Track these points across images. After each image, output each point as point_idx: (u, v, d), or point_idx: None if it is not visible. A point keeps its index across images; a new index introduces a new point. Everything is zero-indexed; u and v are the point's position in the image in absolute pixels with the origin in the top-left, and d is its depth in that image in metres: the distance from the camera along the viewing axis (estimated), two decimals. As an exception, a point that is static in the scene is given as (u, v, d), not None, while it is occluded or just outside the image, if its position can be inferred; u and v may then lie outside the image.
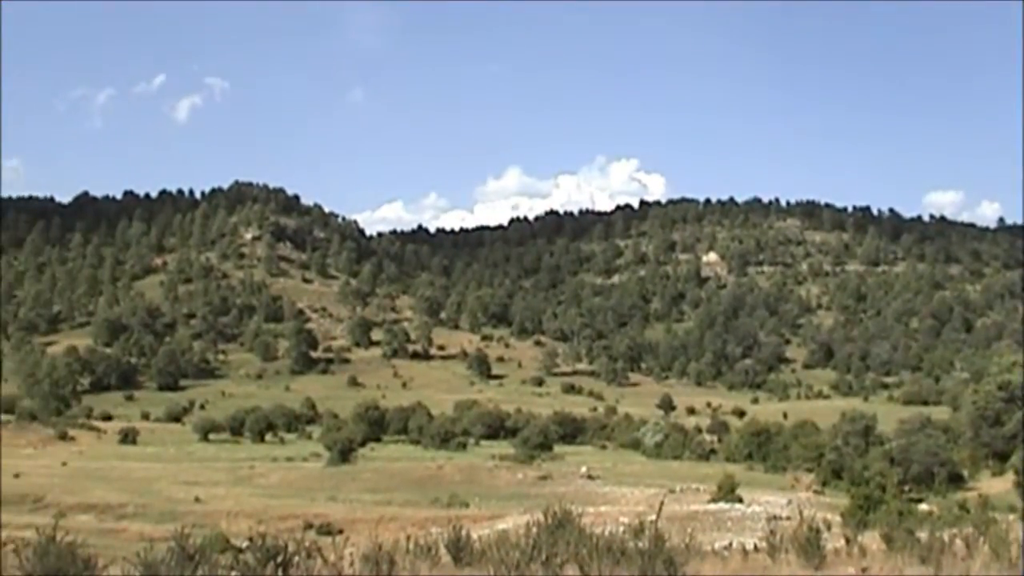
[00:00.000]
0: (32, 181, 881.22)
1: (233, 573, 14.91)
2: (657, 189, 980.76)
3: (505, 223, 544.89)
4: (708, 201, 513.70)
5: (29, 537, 15.17)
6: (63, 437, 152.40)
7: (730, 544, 30.07)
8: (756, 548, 23.32)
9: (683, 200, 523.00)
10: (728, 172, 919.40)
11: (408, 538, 18.09)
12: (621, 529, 21.71)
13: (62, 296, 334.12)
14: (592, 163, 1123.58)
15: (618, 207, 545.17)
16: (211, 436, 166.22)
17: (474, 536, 18.81)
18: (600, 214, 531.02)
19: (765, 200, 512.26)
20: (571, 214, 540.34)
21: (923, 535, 21.20)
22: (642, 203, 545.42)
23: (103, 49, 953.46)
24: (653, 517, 21.92)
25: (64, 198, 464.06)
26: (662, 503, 41.80)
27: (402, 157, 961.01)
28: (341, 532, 60.95)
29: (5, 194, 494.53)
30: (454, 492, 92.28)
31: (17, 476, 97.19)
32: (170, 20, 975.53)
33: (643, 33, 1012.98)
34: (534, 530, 17.68)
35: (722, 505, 77.31)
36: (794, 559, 18.53)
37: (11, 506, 78.53)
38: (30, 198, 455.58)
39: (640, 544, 16.90)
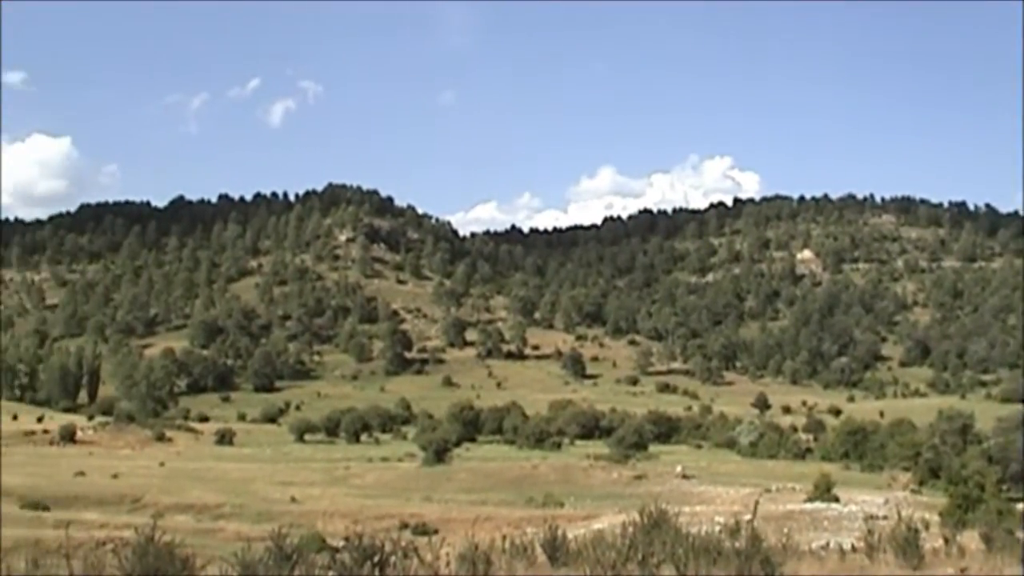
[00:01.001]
0: (129, 186, 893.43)
1: (330, 573, 15.01)
2: (751, 186, 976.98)
3: (599, 222, 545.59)
4: (802, 198, 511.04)
5: (128, 537, 15.42)
6: (160, 438, 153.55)
7: (827, 544, 29.77)
8: (854, 548, 23.10)
9: (777, 197, 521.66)
10: (822, 168, 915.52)
11: (504, 538, 18.17)
12: (717, 529, 21.64)
13: (159, 299, 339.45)
14: (685, 161, 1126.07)
15: (712, 205, 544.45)
16: (307, 437, 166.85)
17: (569, 536, 18.84)
18: (694, 212, 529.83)
19: (859, 196, 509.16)
20: (665, 213, 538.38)
21: (1022, 535, 20.94)
22: (736, 201, 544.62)
23: (198, 55, 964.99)
24: (749, 517, 21.86)
25: (160, 202, 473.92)
26: (758, 502, 41.46)
27: (495, 158, 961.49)
28: (436, 532, 61.09)
29: (103, 199, 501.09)
30: (549, 492, 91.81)
31: (116, 477, 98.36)
32: (264, 25, 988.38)
33: (736, 33, 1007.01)
34: (630, 530, 17.70)
35: (818, 504, 76.54)
36: (892, 559, 18.39)
37: (110, 506, 79.65)
38: (127, 203, 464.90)
39: (737, 544, 16.86)
